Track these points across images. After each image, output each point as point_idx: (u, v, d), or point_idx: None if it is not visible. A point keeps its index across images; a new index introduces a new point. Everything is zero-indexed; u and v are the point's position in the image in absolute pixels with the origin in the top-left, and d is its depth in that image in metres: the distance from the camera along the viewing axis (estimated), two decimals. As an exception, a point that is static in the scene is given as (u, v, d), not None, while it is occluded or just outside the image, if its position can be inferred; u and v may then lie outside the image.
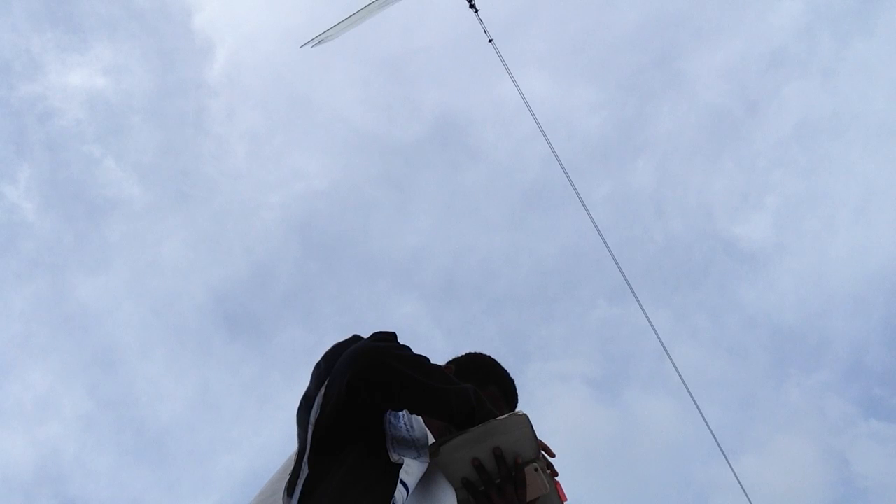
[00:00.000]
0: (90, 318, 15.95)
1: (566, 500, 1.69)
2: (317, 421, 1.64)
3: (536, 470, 1.67)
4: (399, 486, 1.51)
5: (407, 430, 1.68)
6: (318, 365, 1.81)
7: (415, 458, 1.63)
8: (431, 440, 1.79)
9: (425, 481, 1.64)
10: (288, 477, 1.62)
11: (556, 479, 1.73)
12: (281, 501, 1.59)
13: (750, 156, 17.08)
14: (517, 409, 1.71)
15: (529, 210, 17.80)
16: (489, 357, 2.18)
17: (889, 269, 15.63)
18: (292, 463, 1.66)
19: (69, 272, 16.23)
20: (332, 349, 1.81)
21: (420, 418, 1.77)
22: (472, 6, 7.55)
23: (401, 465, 1.56)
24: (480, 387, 2.02)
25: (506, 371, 2.15)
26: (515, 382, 2.14)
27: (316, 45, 7.67)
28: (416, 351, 1.74)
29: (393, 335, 1.80)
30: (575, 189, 6.52)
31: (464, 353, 2.19)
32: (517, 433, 1.65)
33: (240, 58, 18.44)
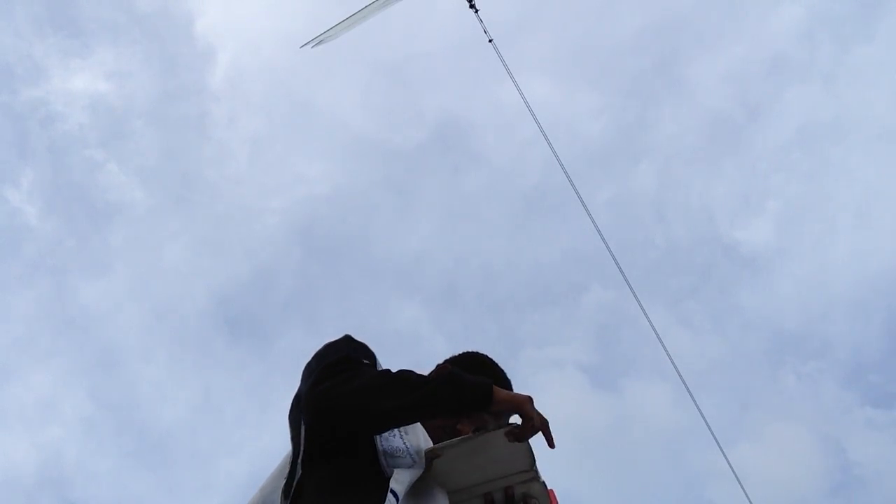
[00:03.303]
0: (92, 321, 15.97)
1: None
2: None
3: None
4: (389, 495, 1.49)
5: (401, 436, 1.66)
6: (308, 364, 1.79)
7: (409, 467, 1.60)
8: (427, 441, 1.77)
9: (417, 487, 1.62)
10: (285, 479, 1.62)
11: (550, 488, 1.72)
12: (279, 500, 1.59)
13: (751, 160, 17.09)
14: (514, 422, 1.66)
15: (531, 214, 17.83)
16: (485, 355, 2.18)
17: (890, 272, 15.63)
18: (289, 463, 1.65)
19: (71, 275, 16.27)
20: (323, 348, 1.80)
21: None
22: (472, 6, 7.56)
23: (390, 476, 1.55)
24: None
25: (502, 369, 2.15)
26: (511, 381, 2.13)
27: (316, 45, 7.71)
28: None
29: (345, 343, 1.79)
30: (577, 192, 6.55)
31: (460, 353, 2.18)
32: (511, 447, 1.64)
33: (241, 63, 18.52)
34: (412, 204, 18.17)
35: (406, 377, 1.60)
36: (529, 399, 1.63)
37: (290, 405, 1.77)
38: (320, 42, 7.79)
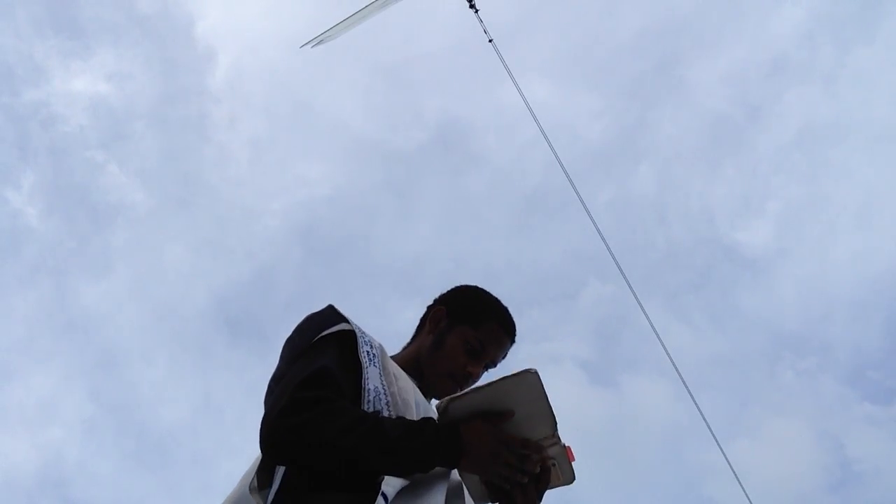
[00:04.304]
0: (93, 322, 15.97)
1: (574, 459, 1.60)
2: None
3: (554, 465, 1.58)
4: (379, 498, 1.39)
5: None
6: (290, 339, 1.70)
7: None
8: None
9: (410, 486, 1.49)
10: (255, 472, 1.52)
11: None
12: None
13: (751, 162, 17.06)
14: (530, 368, 1.51)
15: (532, 215, 17.82)
16: (478, 288, 2.04)
17: (891, 273, 15.62)
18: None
19: (72, 277, 16.25)
20: (305, 321, 1.72)
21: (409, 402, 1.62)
22: (471, 6, 7.55)
23: (382, 480, 1.44)
24: (478, 324, 1.90)
25: (498, 300, 2.01)
26: (508, 309, 2.00)
27: (316, 45, 7.74)
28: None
29: (329, 313, 1.69)
30: (577, 193, 6.54)
31: (451, 289, 2.05)
32: (532, 405, 1.52)
33: (242, 64, 18.52)
34: (412, 205, 18.18)
35: (381, 437, 1.43)
36: (501, 445, 1.49)
37: (267, 386, 1.67)
38: (320, 42, 7.81)
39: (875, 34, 15.87)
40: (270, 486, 1.50)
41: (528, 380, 1.51)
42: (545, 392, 1.52)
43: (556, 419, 1.55)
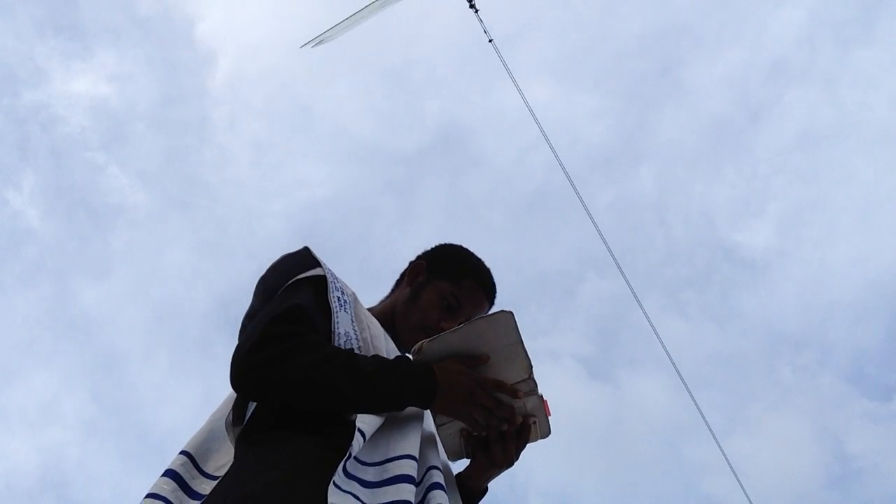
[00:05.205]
0: (93, 323, 16.00)
1: (550, 414, 1.57)
2: None
3: (534, 423, 1.55)
4: (357, 434, 1.32)
5: None
6: (264, 278, 1.66)
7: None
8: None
9: (383, 431, 1.44)
10: (231, 407, 1.49)
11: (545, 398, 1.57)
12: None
13: (752, 163, 17.08)
14: (505, 308, 1.49)
15: (532, 216, 17.85)
16: (461, 247, 2.00)
17: (891, 275, 15.64)
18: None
19: (72, 278, 16.28)
20: (280, 261, 1.68)
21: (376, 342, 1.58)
22: (471, 6, 7.57)
23: (355, 418, 1.39)
24: (456, 280, 1.87)
25: (481, 260, 1.96)
26: (490, 271, 1.95)
27: (316, 45, 7.76)
28: None
29: (304, 256, 1.64)
30: (577, 193, 6.56)
31: (434, 246, 2.01)
32: (507, 348, 1.48)
33: (242, 66, 18.57)
34: (413, 207, 18.21)
35: (354, 372, 1.38)
36: (475, 385, 1.46)
37: (241, 324, 1.66)
38: (320, 42, 7.83)
39: (875, 35, 15.90)
40: (244, 419, 1.46)
41: (503, 320, 1.48)
42: (520, 333, 1.48)
43: (532, 361, 1.51)
